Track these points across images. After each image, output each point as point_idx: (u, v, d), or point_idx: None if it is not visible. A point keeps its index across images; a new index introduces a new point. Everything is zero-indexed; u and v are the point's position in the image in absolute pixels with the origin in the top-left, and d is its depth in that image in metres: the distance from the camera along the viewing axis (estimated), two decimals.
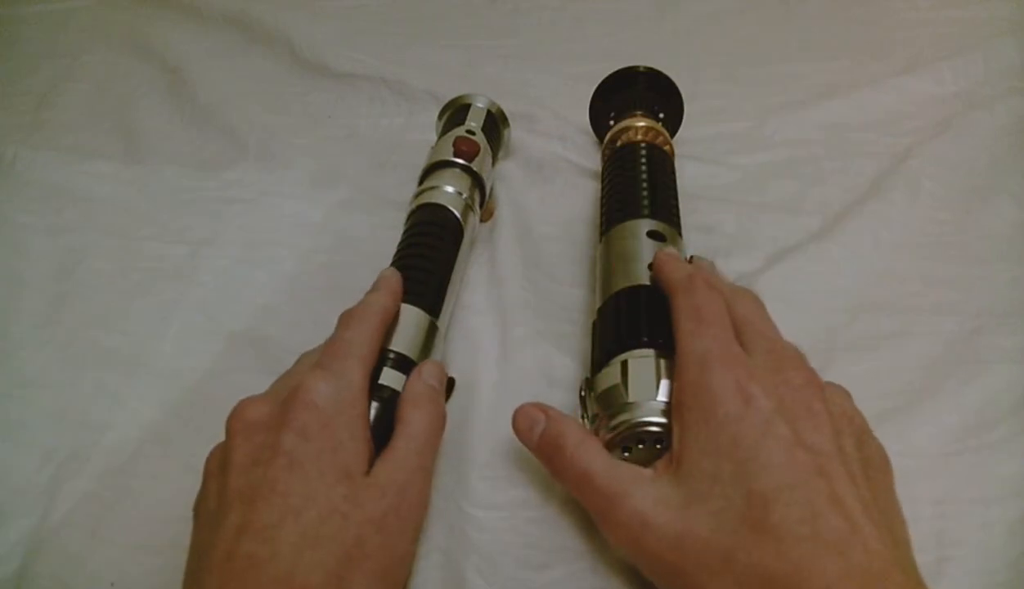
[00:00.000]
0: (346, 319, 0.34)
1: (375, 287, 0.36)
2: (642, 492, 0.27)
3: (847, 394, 0.30)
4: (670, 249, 0.38)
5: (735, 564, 0.24)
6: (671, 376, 0.31)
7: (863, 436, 0.28)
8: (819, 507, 0.24)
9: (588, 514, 0.32)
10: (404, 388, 0.33)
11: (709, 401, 0.27)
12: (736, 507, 0.25)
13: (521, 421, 0.32)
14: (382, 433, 0.32)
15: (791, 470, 0.25)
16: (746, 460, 0.25)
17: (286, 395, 0.29)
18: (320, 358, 0.31)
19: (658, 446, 0.31)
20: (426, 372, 0.33)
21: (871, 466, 0.27)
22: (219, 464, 0.29)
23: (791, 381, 0.28)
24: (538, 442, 0.31)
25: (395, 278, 0.37)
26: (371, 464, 0.29)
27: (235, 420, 0.29)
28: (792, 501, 0.24)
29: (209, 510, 0.28)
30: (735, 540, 0.24)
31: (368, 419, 0.30)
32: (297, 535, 0.25)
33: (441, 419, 0.33)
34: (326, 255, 0.50)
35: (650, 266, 0.38)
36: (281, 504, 0.25)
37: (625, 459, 0.32)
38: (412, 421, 0.31)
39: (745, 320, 0.31)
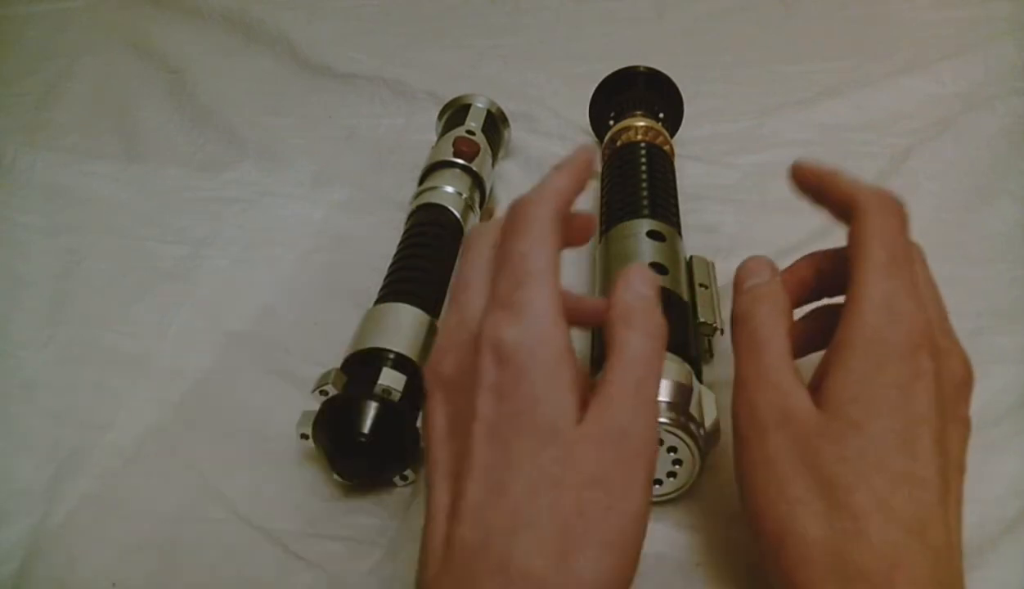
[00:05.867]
0: (512, 220, 0.26)
1: (558, 167, 0.28)
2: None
3: None
4: None
5: (891, 481, 0.24)
6: (670, 376, 0.32)
7: None
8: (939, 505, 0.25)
9: None
10: (611, 302, 0.25)
11: (883, 354, 0.25)
12: (882, 457, 0.24)
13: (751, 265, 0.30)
14: (384, 434, 0.33)
15: (928, 466, 0.25)
16: (895, 431, 0.25)
17: (472, 344, 0.24)
18: (495, 287, 0.25)
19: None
20: (636, 279, 0.26)
21: None
22: (425, 424, 0.26)
23: (955, 372, 0.27)
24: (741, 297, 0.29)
25: (584, 154, 0.29)
26: (585, 405, 0.24)
27: (430, 373, 0.26)
28: (928, 485, 0.24)
29: (428, 477, 0.25)
30: (882, 479, 0.24)
31: (571, 353, 0.24)
32: (507, 514, 0.22)
33: (661, 335, 0.25)
34: (326, 255, 0.50)
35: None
36: (484, 479, 0.22)
37: None
38: (627, 344, 0.24)
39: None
